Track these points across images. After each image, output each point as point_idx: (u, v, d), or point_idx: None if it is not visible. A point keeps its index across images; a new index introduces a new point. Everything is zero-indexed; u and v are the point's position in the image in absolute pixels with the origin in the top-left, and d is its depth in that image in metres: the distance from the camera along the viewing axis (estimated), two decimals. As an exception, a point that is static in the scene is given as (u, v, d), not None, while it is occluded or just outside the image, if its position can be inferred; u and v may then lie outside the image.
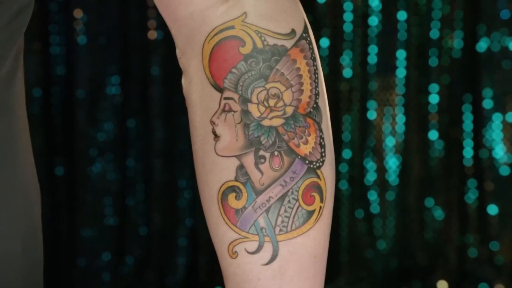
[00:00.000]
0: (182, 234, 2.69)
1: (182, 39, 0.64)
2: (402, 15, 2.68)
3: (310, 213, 0.62)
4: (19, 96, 0.71)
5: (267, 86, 0.61)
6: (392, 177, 2.72)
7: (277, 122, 0.61)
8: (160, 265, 2.68)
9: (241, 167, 0.61)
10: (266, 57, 0.61)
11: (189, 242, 2.68)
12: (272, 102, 0.61)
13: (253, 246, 0.61)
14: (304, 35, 0.63)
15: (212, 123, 0.62)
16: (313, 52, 0.63)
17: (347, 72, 2.70)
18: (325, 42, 2.66)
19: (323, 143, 0.62)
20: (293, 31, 0.62)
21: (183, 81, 0.65)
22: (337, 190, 2.71)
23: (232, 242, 0.61)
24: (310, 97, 0.62)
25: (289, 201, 0.61)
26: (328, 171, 0.63)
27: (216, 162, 0.62)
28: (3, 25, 0.67)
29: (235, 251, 0.61)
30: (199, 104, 0.63)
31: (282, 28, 0.62)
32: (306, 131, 0.62)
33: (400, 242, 2.75)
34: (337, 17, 2.68)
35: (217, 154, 0.62)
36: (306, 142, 0.62)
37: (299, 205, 0.61)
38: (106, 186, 2.65)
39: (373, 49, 2.70)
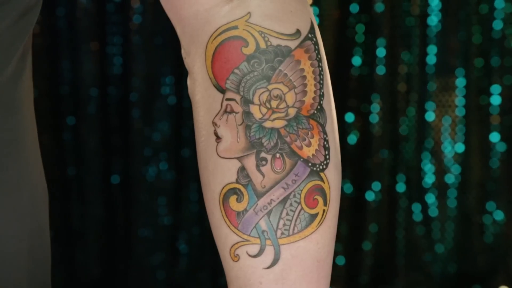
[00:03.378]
0: (235, 234, 2.68)
1: (187, 39, 0.64)
2: (462, 15, 2.62)
3: (313, 216, 0.60)
4: (26, 96, 0.71)
5: (270, 87, 0.60)
6: (451, 180, 2.67)
7: (279, 123, 0.60)
8: (213, 264, 2.69)
9: (242, 169, 0.60)
10: (269, 58, 0.60)
11: (242, 242, 2.67)
12: (274, 104, 0.60)
13: (254, 249, 0.60)
14: (309, 35, 0.61)
15: (214, 124, 0.61)
16: (318, 53, 0.62)
17: (405, 73, 2.66)
18: (382, 42, 2.62)
19: (327, 146, 0.61)
20: (298, 32, 0.61)
21: (188, 81, 0.65)
22: (394, 192, 2.67)
23: (234, 245, 0.61)
24: (314, 98, 0.61)
25: (291, 204, 0.60)
26: (332, 174, 0.61)
27: (217, 164, 0.61)
28: (10, 25, 0.67)
29: (237, 254, 0.61)
30: (202, 105, 0.62)
31: (286, 29, 0.60)
32: (309, 133, 0.61)
33: (459, 246, 2.69)
34: (396, 17, 2.64)
35: (218, 155, 0.61)
36: (309, 144, 0.60)
37: (302, 208, 0.60)
38: (161, 186, 2.66)
39: (432, 49, 2.65)
